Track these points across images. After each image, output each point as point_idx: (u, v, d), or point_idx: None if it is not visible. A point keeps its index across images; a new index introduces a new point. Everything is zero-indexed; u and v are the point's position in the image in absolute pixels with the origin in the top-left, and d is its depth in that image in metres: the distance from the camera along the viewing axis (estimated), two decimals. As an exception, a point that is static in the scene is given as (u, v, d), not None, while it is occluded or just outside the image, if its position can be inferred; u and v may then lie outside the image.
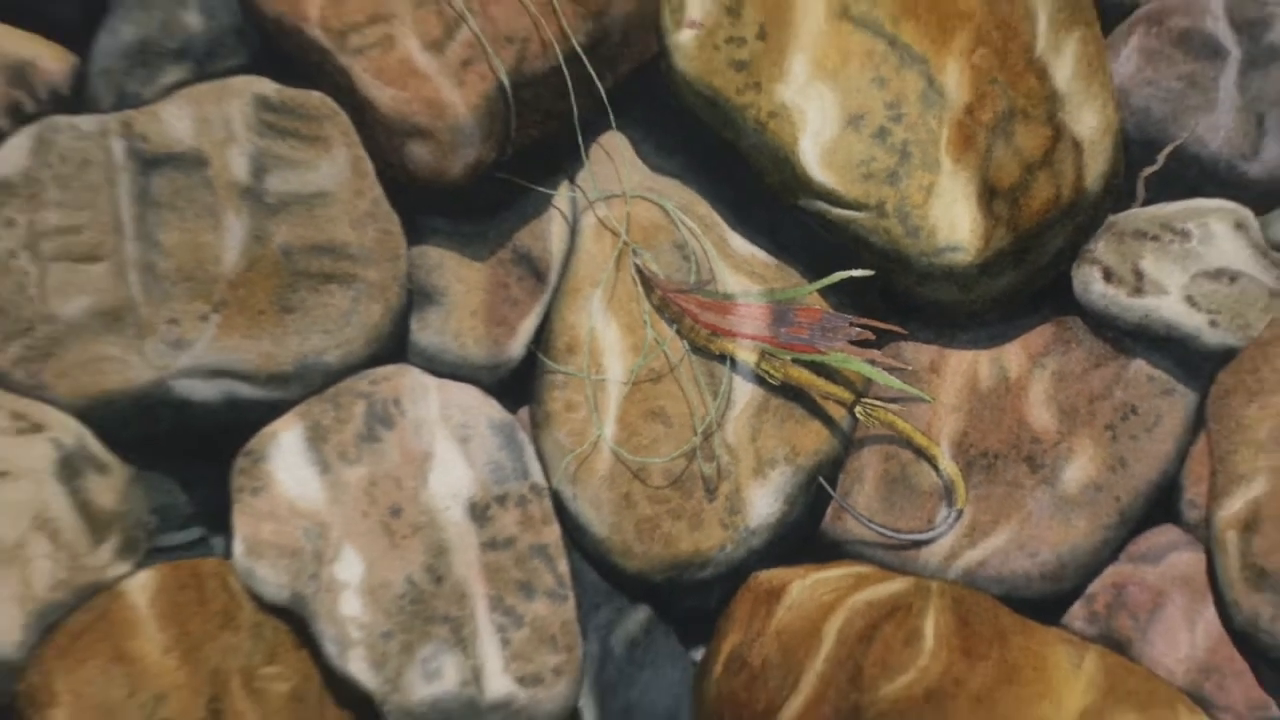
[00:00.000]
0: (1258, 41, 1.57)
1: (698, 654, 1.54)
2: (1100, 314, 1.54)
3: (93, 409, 1.49)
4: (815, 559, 1.54)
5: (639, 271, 1.55)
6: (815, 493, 1.54)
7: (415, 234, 1.56)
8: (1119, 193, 1.57)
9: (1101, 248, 1.54)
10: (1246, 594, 1.47)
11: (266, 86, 1.53)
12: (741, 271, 1.56)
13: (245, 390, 1.50)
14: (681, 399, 1.53)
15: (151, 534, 1.51)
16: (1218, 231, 1.54)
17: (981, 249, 1.49)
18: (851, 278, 1.55)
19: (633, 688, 1.52)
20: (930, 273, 1.51)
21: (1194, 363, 1.54)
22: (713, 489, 1.51)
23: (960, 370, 1.56)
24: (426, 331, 1.54)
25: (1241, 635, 1.49)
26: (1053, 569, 1.51)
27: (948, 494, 1.53)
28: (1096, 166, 1.52)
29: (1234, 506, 1.49)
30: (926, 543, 1.52)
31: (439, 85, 1.49)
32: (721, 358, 1.54)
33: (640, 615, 1.53)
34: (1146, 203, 1.58)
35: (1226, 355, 1.53)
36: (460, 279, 1.56)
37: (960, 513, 1.52)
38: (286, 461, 1.49)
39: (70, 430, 1.48)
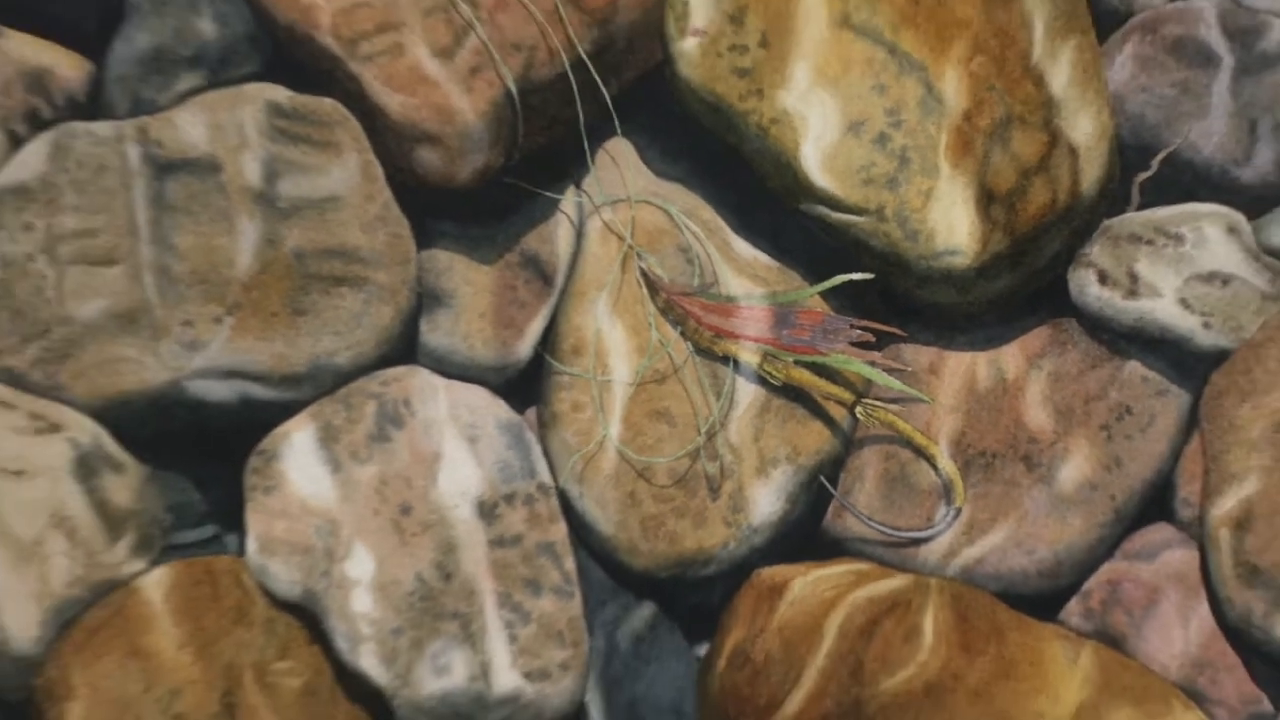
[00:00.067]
0: (1250, 49, 1.57)
1: (702, 649, 1.54)
2: (1096, 316, 1.54)
3: (109, 409, 1.48)
4: (817, 556, 1.53)
5: (644, 274, 1.55)
6: (816, 491, 1.54)
7: (425, 238, 1.55)
8: (1114, 197, 1.57)
9: (1097, 251, 1.54)
10: (1239, 590, 1.47)
11: (279, 93, 1.52)
12: (744, 274, 1.55)
13: (258, 391, 1.49)
14: (685, 400, 1.53)
15: (166, 532, 1.51)
16: (1211, 235, 1.54)
17: (979, 252, 1.49)
18: (852, 281, 1.54)
19: (638, 682, 1.52)
20: (929, 276, 1.50)
21: (1188, 364, 1.54)
22: (716, 488, 1.51)
23: (958, 371, 1.55)
24: (436, 333, 1.54)
25: (1234, 631, 1.49)
26: (1049, 566, 1.51)
27: (946, 493, 1.53)
28: (1092, 172, 1.52)
29: (1227, 505, 1.49)
30: (925, 540, 1.52)
31: (448, 92, 1.49)
32: (725, 359, 1.53)
33: (645, 611, 1.53)
34: (1141, 207, 1.58)
35: (1219, 357, 1.53)
36: (469, 282, 1.55)
37: (959, 511, 1.52)
38: (299, 461, 1.49)
39: (87, 430, 1.48)
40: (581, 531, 1.53)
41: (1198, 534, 1.52)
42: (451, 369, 1.54)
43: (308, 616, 1.48)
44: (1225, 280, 1.53)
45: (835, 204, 1.50)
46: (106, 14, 1.55)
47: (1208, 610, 1.50)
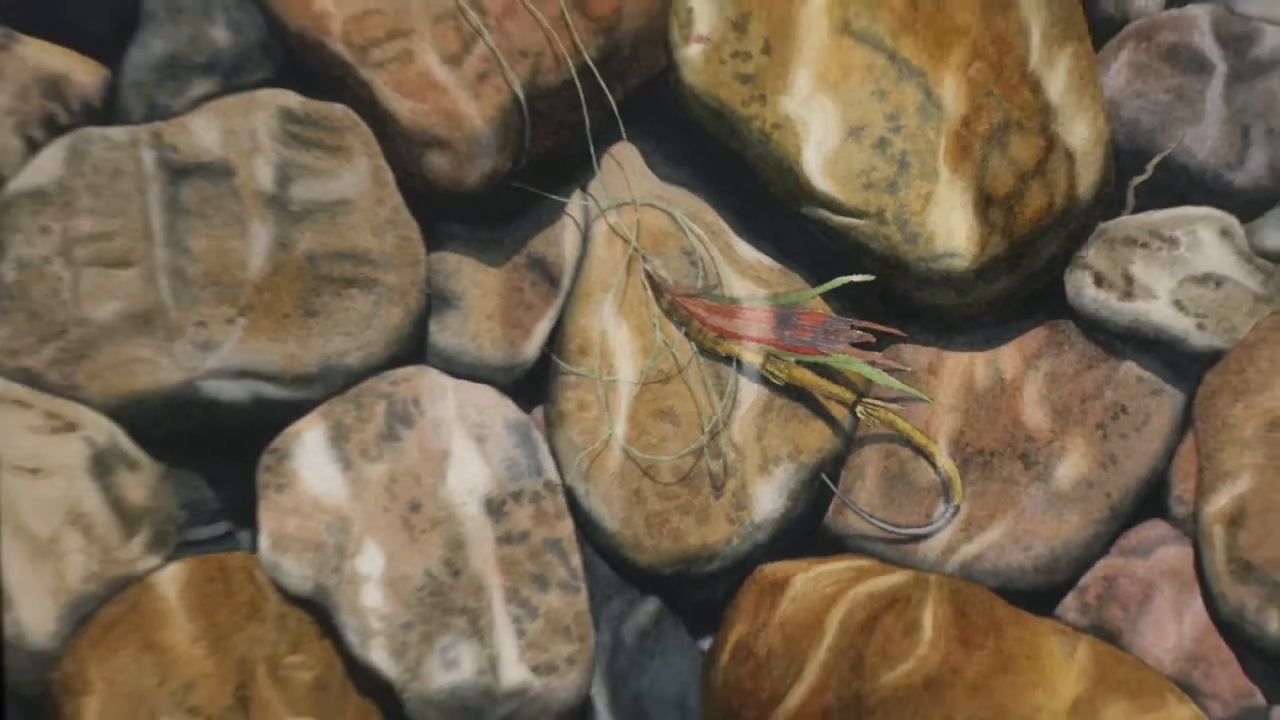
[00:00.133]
0: (1243, 56, 1.56)
1: (705, 644, 1.54)
2: (1092, 317, 1.54)
3: (124, 408, 1.48)
4: (818, 553, 1.53)
5: (648, 276, 1.55)
6: (818, 489, 1.54)
7: (434, 240, 1.55)
8: (1110, 201, 1.57)
9: (1093, 254, 1.54)
10: (1232, 586, 1.48)
11: (291, 99, 1.51)
12: (747, 276, 1.55)
13: (270, 390, 1.49)
14: (689, 399, 1.53)
15: (180, 529, 1.51)
16: (1204, 238, 1.54)
17: (977, 255, 1.49)
18: (853, 283, 1.54)
19: (643, 676, 1.52)
20: (928, 278, 1.50)
21: (1182, 364, 1.54)
22: (719, 485, 1.51)
23: (957, 371, 1.55)
24: (445, 334, 1.54)
25: (1227, 626, 1.49)
26: (1046, 562, 1.51)
27: (945, 490, 1.53)
28: (1088, 176, 1.52)
29: (1220, 502, 1.49)
30: (925, 537, 1.52)
31: (456, 98, 1.49)
32: (728, 359, 1.53)
33: (650, 607, 1.53)
34: (1136, 211, 1.57)
35: (1213, 357, 1.53)
36: (477, 284, 1.55)
37: (957, 508, 1.52)
38: (310, 459, 1.49)
39: (102, 429, 1.48)
40: (587, 528, 1.52)
41: (1192, 531, 1.52)
42: (460, 369, 1.54)
43: (319, 611, 1.48)
44: (1219, 282, 1.53)
45: (836, 207, 1.50)
46: (122, 21, 1.54)
47: (1201, 605, 1.50)
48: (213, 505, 1.52)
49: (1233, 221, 1.55)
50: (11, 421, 1.47)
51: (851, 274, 1.53)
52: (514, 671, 1.47)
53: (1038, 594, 1.52)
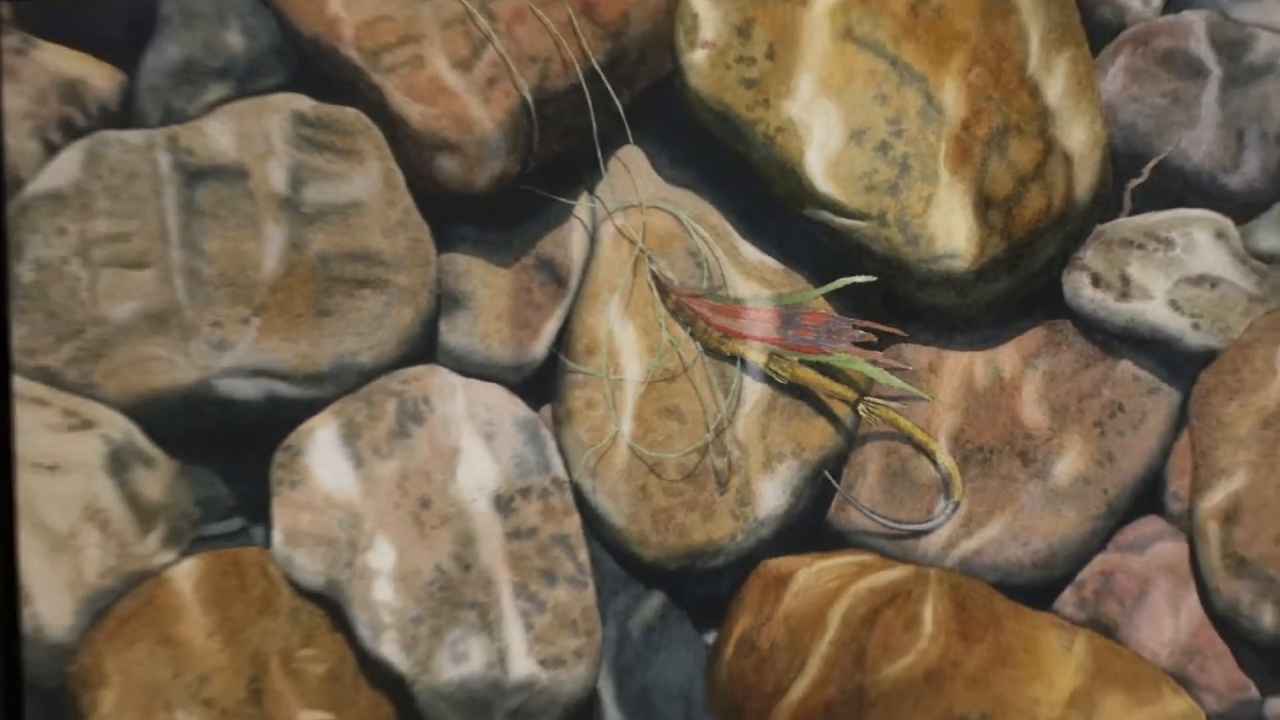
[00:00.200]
0: (1237, 61, 1.56)
1: (710, 638, 1.53)
2: (1089, 318, 1.54)
3: (140, 406, 1.49)
4: (821, 548, 1.53)
5: (654, 277, 1.55)
6: (821, 485, 1.54)
7: (444, 242, 1.54)
8: (1107, 203, 1.56)
9: (1090, 255, 1.54)
10: (1227, 581, 1.48)
11: (304, 103, 1.51)
12: (751, 278, 1.55)
13: (284, 389, 1.50)
14: (695, 397, 1.53)
15: (195, 524, 1.51)
16: (1200, 240, 1.54)
17: (977, 256, 1.49)
18: (855, 284, 1.53)
19: (649, 669, 1.52)
20: (929, 279, 1.51)
21: (1177, 363, 1.54)
22: (724, 482, 1.51)
23: (957, 370, 1.55)
24: (455, 334, 1.54)
25: (1222, 620, 1.50)
26: (1044, 557, 1.52)
27: (945, 487, 1.53)
28: (1086, 179, 1.52)
29: (1215, 499, 1.50)
30: (925, 533, 1.52)
31: (466, 102, 1.49)
32: (732, 359, 1.53)
33: (656, 601, 1.53)
34: (1133, 213, 1.57)
35: (1208, 356, 1.53)
36: (486, 284, 1.55)
37: (957, 505, 1.53)
38: (323, 456, 1.49)
39: (119, 427, 1.48)
40: (594, 524, 1.52)
41: (1187, 527, 1.52)
42: (470, 368, 1.54)
43: (331, 606, 1.49)
44: (1214, 283, 1.53)
45: (839, 209, 1.51)
46: (138, 26, 1.54)
47: (1197, 600, 1.51)
48: (227, 501, 1.52)
49: (1228, 223, 1.55)
50: (30, 419, 1.48)
51: (854, 275, 1.52)
52: (522, 665, 1.47)
53: (1036, 589, 1.53)
